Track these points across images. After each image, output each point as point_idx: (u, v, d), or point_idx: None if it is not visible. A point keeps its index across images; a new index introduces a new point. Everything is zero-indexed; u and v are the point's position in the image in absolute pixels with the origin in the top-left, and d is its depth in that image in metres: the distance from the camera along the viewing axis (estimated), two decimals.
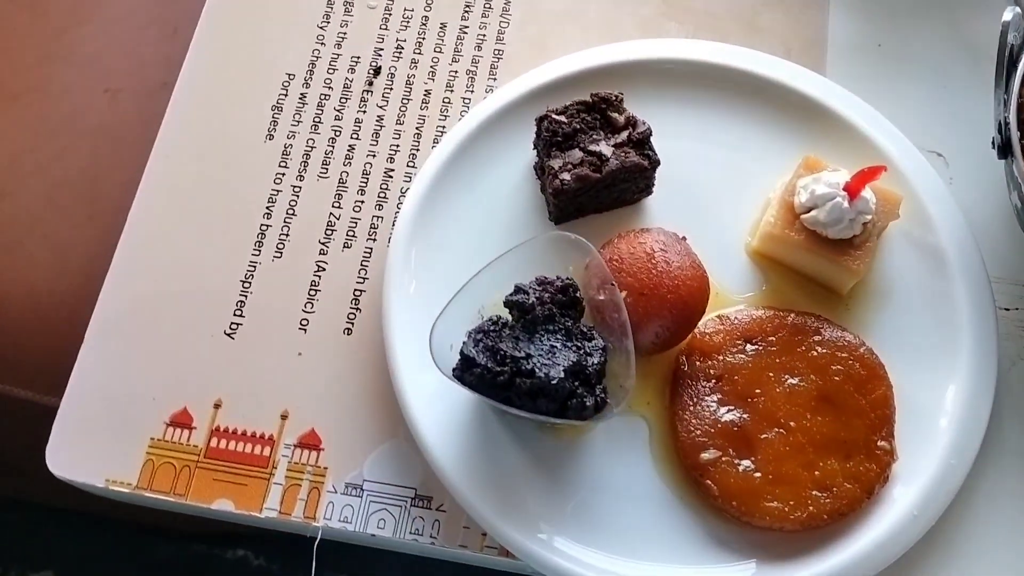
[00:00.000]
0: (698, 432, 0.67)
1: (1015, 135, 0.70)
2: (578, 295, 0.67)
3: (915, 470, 0.67)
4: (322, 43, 0.87)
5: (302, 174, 0.81)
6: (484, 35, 0.87)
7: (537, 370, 0.62)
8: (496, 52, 0.87)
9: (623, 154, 0.73)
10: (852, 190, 0.70)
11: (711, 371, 0.69)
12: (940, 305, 0.73)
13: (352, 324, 0.75)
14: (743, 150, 0.79)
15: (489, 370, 0.62)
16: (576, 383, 0.63)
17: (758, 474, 0.65)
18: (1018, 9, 0.69)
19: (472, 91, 0.85)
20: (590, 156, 0.73)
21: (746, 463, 0.66)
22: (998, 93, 0.70)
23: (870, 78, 0.84)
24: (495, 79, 0.85)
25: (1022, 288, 0.76)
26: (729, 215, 0.77)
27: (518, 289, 0.66)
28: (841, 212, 0.70)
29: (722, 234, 0.76)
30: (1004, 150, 0.70)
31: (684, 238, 0.71)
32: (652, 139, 0.74)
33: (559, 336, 0.65)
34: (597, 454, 0.69)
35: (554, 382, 0.61)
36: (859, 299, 0.74)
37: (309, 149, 0.82)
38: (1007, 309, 0.76)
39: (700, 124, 0.80)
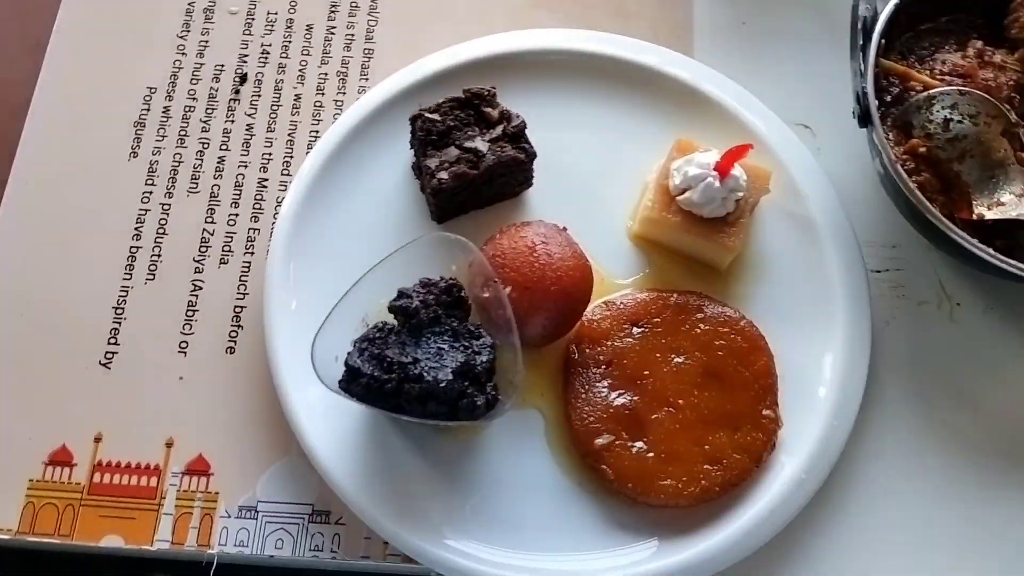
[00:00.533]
0: (591, 419, 0.68)
1: (873, 104, 0.73)
2: (463, 294, 0.67)
3: (800, 434, 0.69)
4: (183, 53, 0.84)
5: (171, 191, 0.78)
6: (353, 35, 0.86)
7: (425, 374, 0.62)
8: (366, 51, 0.85)
9: (499, 149, 0.73)
10: (722, 169, 0.71)
11: (601, 357, 0.70)
12: (814, 273, 0.75)
13: (234, 343, 0.73)
14: (619, 136, 0.80)
15: (376, 379, 0.61)
16: (466, 383, 0.63)
17: (651, 454, 0.67)
18: None
19: (344, 93, 0.83)
20: (466, 153, 0.72)
21: (639, 445, 0.67)
22: (854, 64, 0.72)
23: (737, 57, 0.87)
24: (367, 79, 0.84)
25: (891, 250, 0.80)
26: (610, 201, 0.78)
27: (401, 293, 0.66)
28: (713, 191, 0.71)
29: (604, 220, 0.77)
30: (864, 119, 0.73)
31: (565, 228, 0.71)
32: (528, 131, 0.74)
33: (446, 337, 0.65)
34: (495, 451, 0.69)
35: (442, 385, 0.61)
36: (738, 273, 0.76)
37: (176, 164, 0.79)
38: (878, 271, 0.79)
39: (575, 113, 0.81)
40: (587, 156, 0.79)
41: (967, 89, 0.74)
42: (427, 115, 0.73)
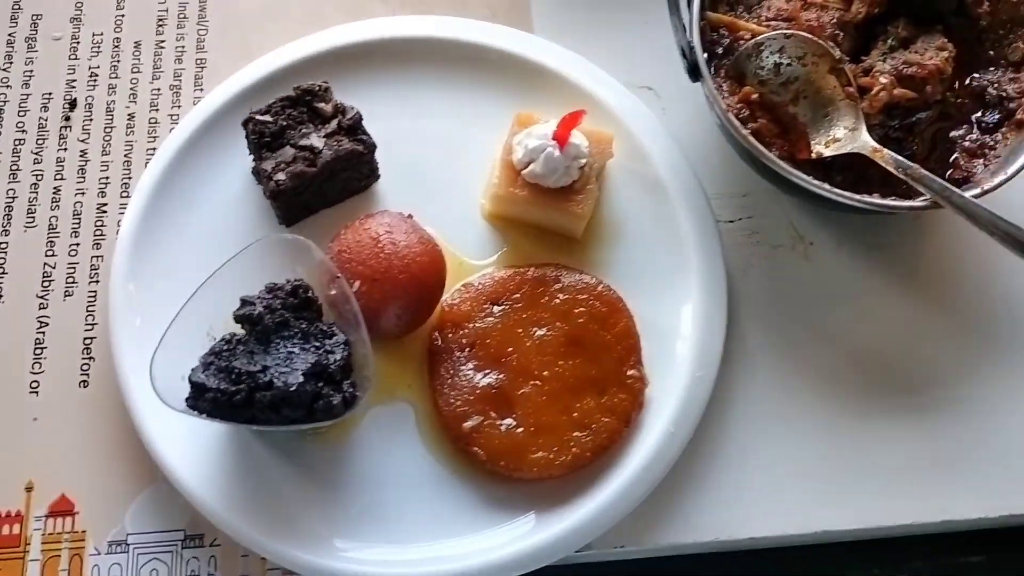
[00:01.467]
0: (458, 403, 0.68)
1: (701, 58, 0.74)
2: (310, 295, 0.66)
3: (666, 390, 0.70)
4: (7, 85, 0.81)
5: (6, 228, 0.75)
6: (183, 47, 0.84)
7: (275, 380, 0.61)
8: (199, 62, 0.83)
9: (336, 143, 0.72)
10: (560, 138, 0.72)
11: (464, 340, 0.70)
12: (666, 231, 0.76)
13: (87, 375, 0.71)
14: (464, 117, 0.80)
15: (223, 392, 0.60)
16: (320, 384, 0.62)
17: (520, 429, 0.67)
18: None
19: (179, 106, 0.81)
20: (302, 151, 0.71)
21: (508, 422, 0.67)
22: (674, 20, 0.73)
23: (577, 26, 0.87)
24: (201, 90, 0.82)
25: (742, 199, 0.81)
26: (461, 184, 0.78)
27: (244, 301, 0.64)
28: (555, 161, 0.72)
29: (457, 204, 0.77)
30: (694, 73, 0.74)
31: (410, 216, 0.71)
32: (368, 123, 0.74)
33: (296, 341, 0.64)
34: (367, 450, 0.68)
35: (293, 388, 0.60)
36: (595, 240, 0.76)
37: (10, 200, 0.76)
38: (731, 221, 0.81)
39: (418, 99, 0.80)
40: (434, 141, 0.79)
41: (791, 32, 0.75)
42: (258, 117, 0.72)
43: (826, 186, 0.70)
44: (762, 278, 0.78)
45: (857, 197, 0.70)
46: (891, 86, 0.74)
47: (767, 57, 0.76)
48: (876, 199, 0.70)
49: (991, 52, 0.79)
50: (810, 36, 0.75)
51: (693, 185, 0.78)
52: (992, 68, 0.79)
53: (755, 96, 0.75)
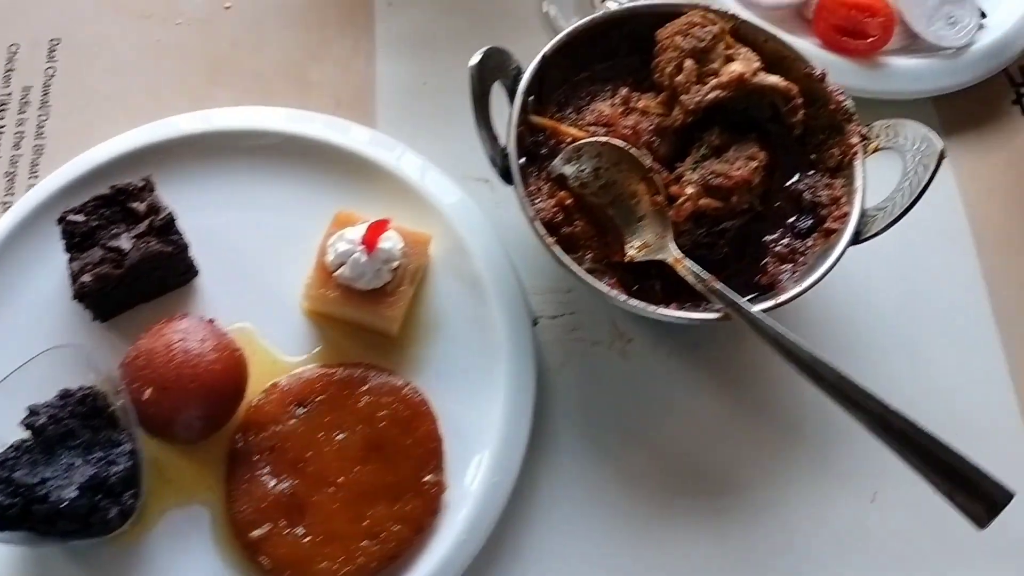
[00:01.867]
0: (248, 509, 0.69)
1: (515, 164, 0.75)
2: (99, 403, 0.67)
3: (464, 495, 0.71)
4: None
5: None
6: (23, 131, 0.85)
7: (51, 493, 0.62)
8: (36, 148, 0.84)
9: (144, 244, 0.73)
10: (367, 243, 0.73)
11: (264, 443, 0.71)
12: (481, 330, 0.77)
13: None
14: (290, 210, 0.81)
15: None
16: (98, 496, 0.63)
17: (309, 538, 0.68)
18: (480, 55, 0.73)
19: (13, 193, 0.82)
20: (110, 252, 0.72)
21: (299, 530, 0.68)
22: (481, 132, 0.74)
23: (419, 119, 0.89)
24: (36, 177, 0.83)
25: (566, 295, 0.83)
26: (284, 278, 0.78)
27: (31, 411, 0.65)
28: (362, 266, 0.73)
29: (278, 298, 0.78)
30: (507, 178, 0.76)
31: (211, 320, 0.72)
32: (192, 215, 0.75)
33: (79, 451, 0.65)
34: (160, 553, 0.69)
35: (64, 505, 0.61)
36: (411, 337, 0.78)
37: None
38: (554, 317, 0.82)
39: (244, 191, 0.81)
40: (259, 234, 0.80)
41: (605, 140, 0.77)
42: (70, 217, 0.73)
43: (614, 293, 0.72)
44: (579, 374, 0.80)
45: (649, 308, 0.71)
46: (697, 196, 0.75)
47: (586, 161, 0.78)
48: (669, 311, 0.72)
49: (812, 156, 0.82)
50: (621, 145, 0.77)
51: (511, 284, 0.79)
52: (812, 172, 0.81)
53: (568, 201, 0.77)
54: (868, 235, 0.75)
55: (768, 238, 0.79)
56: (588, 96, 0.84)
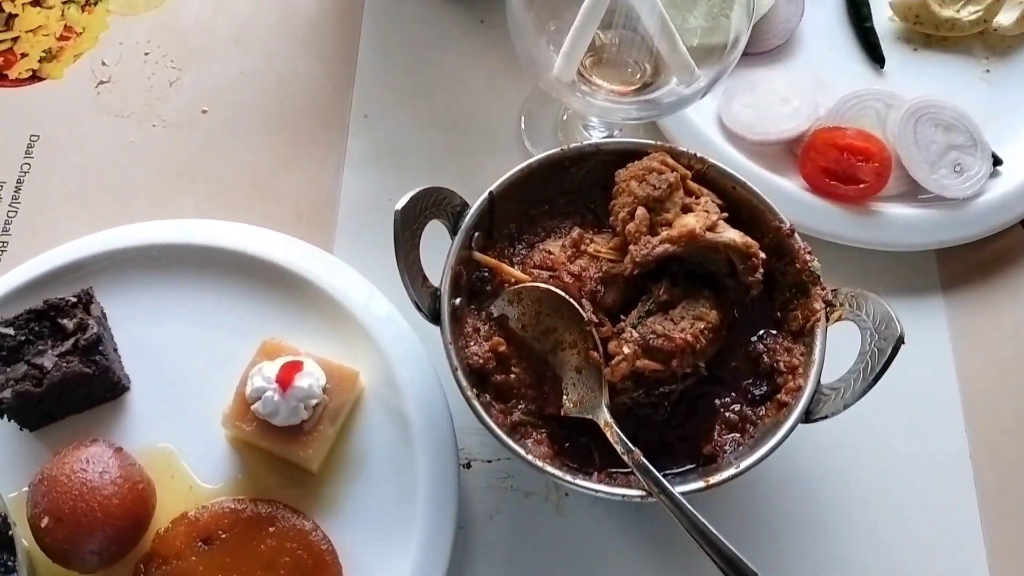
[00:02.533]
0: None
1: (445, 306, 0.73)
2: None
3: None
4: None
5: None
6: None
7: None
8: (1, 245, 0.87)
9: (66, 364, 0.73)
10: (282, 382, 0.72)
11: None
12: (404, 473, 0.75)
13: None
14: (228, 330, 0.81)
15: None
16: None
17: None
18: (408, 197, 0.72)
19: None
20: (33, 369, 0.73)
21: None
22: (400, 266, 0.70)
23: (378, 235, 0.84)
24: None
25: None
26: (212, 401, 0.77)
27: None
28: (275, 404, 0.72)
29: (203, 420, 0.77)
30: (434, 319, 0.73)
31: (120, 449, 0.72)
32: (130, 327, 0.77)
33: None
34: None
35: None
36: (332, 474, 0.76)
37: None
38: (489, 461, 0.79)
39: (186, 306, 0.82)
40: (194, 352, 0.80)
41: (544, 286, 0.75)
42: (1, 330, 0.74)
43: (530, 458, 0.69)
44: (510, 526, 0.77)
45: (567, 478, 0.68)
46: (634, 357, 0.71)
47: (528, 305, 0.75)
48: (589, 483, 0.68)
49: (778, 313, 0.77)
50: (560, 293, 0.74)
51: (442, 425, 0.77)
52: (775, 332, 0.77)
53: (503, 348, 0.74)
54: (818, 416, 0.70)
55: (720, 401, 0.75)
56: (544, 232, 0.81)
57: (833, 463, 0.80)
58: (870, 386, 0.67)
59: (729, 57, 0.78)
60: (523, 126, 0.94)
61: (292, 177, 0.91)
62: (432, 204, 0.74)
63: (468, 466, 0.79)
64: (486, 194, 0.77)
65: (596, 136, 0.91)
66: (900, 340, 0.66)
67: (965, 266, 0.88)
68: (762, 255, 0.74)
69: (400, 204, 0.70)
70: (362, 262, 0.83)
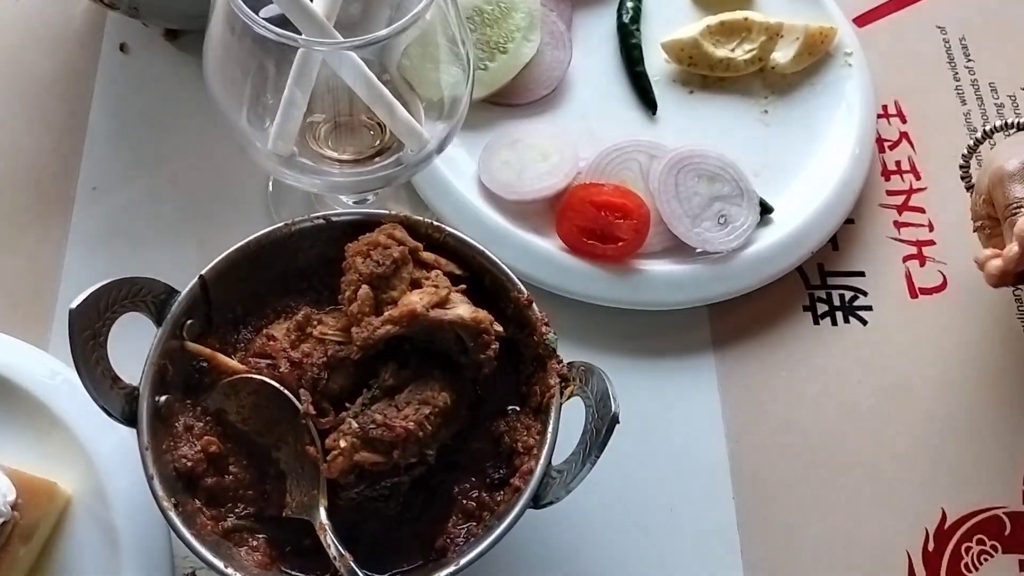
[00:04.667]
0: None
1: (144, 406, 0.71)
2: None
3: None
4: None
5: None
6: None
7: None
8: None
9: None
10: None
11: None
12: None
13: None
14: None
15: None
16: None
17: None
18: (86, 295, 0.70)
19: None
20: None
21: None
22: (85, 382, 0.68)
23: None
24: None
25: None
26: None
27: None
28: None
29: None
30: (130, 421, 0.71)
31: None
32: None
33: None
34: None
35: None
36: None
37: None
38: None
39: None
40: None
41: (258, 377, 0.73)
42: None
43: (229, 571, 0.67)
44: None
45: None
46: (352, 450, 0.70)
47: (246, 397, 0.74)
48: None
49: (523, 388, 0.78)
50: (274, 384, 0.72)
51: (157, 536, 0.75)
52: (519, 409, 0.77)
53: (215, 448, 0.73)
54: (545, 502, 0.70)
55: (459, 487, 0.75)
56: (273, 314, 0.80)
57: (592, 537, 0.80)
58: (589, 468, 0.67)
59: (451, 118, 0.79)
60: (270, 190, 0.93)
61: (7, 259, 0.88)
62: (126, 296, 0.72)
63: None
64: (196, 278, 0.76)
65: (349, 200, 0.90)
66: (615, 419, 0.67)
67: (737, 321, 0.90)
68: (498, 329, 0.75)
69: (75, 303, 0.68)
70: None
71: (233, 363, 0.75)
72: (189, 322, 0.76)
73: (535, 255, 0.88)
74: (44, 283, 0.87)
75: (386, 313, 0.74)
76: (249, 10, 0.66)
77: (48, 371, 0.79)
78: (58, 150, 0.93)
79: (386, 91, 0.76)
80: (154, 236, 0.90)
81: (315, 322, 0.77)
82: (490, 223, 0.89)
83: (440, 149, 0.80)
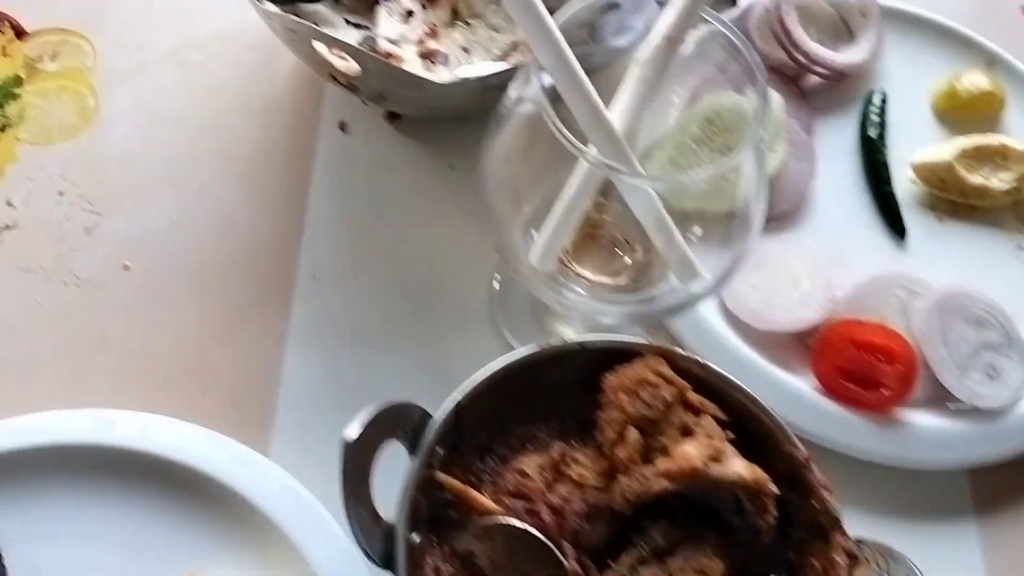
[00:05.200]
0: None
1: (401, 548, 0.67)
2: None
3: None
4: None
5: None
6: None
7: None
8: None
9: None
10: None
11: None
12: None
13: None
14: (141, 555, 0.73)
15: None
16: None
17: None
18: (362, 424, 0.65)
19: None
20: None
21: None
22: (352, 520, 0.64)
23: (325, 423, 0.80)
24: None
25: None
26: None
27: None
28: None
29: None
30: (387, 565, 0.67)
31: None
32: (28, 546, 0.69)
33: None
34: None
35: None
36: None
37: None
38: None
39: (91, 521, 0.74)
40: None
41: (519, 525, 0.68)
42: None
43: None
44: None
45: None
46: None
47: (500, 542, 0.69)
48: None
49: (792, 555, 0.72)
50: (539, 536, 0.68)
51: None
52: None
53: None
54: None
55: None
56: (518, 441, 0.75)
57: None
58: None
59: (744, 239, 0.74)
60: (495, 295, 0.89)
61: (225, 352, 0.84)
62: (387, 422, 0.68)
63: None
64: (452, 406, 0.71)
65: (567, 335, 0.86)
66: None
67: (1003, 487, 0.83)
68: (775, 490, 0.69)
69: (351, 433, 0.63)
70: (303, 467, 0.77)
71: (488, 503, 0.70)
72: (437, 449, 0.71)
73: (786, 394, 0.82)
74: (264, 380, 0.83)
75: (661, 465, 0.68)
76: (568, 132, 0.62)
77: (279, 487, 0.75)
78: (277, 233, 0.89)
79: (670, 220, 0.72)
80: (373, 336, 0.86)
81: (569, 461, 0.73)
82: (737, 355, 0.84)
83: (717, 288, 0.74)
